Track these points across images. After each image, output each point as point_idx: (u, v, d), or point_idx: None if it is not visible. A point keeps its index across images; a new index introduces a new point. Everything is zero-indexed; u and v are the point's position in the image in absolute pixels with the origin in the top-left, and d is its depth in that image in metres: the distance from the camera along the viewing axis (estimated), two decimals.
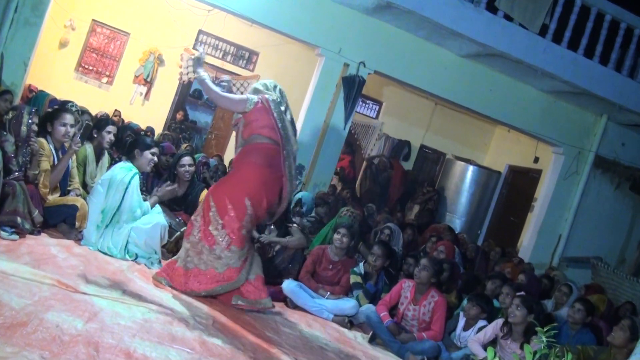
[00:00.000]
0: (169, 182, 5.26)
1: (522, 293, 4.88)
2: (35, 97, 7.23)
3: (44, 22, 7.10)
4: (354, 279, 5.36)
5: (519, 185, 11.01)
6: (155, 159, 5.11)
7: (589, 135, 9.36)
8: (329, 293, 5.21)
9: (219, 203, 4.23)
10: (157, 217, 4.81)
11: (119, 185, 4.67)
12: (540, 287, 6.45)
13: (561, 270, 8.53)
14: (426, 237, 7.66)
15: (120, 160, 5.47)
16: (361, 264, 5.50)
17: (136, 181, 4.76)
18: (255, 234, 5.43)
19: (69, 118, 4.74)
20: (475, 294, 5.22)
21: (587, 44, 8.41)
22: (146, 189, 5.15)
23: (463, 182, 11.04)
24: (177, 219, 5.22)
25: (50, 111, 5.07)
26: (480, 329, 4.87)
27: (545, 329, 2.61)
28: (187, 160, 5.50)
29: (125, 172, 4.75)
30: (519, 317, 4.46)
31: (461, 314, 5.17)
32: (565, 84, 8.37)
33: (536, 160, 10.50)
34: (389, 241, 6.35)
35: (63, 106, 5.53)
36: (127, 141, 5.82)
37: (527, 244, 9.41)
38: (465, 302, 5.41)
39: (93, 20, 10.20)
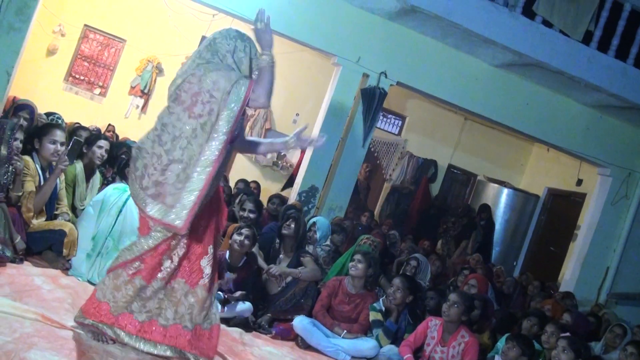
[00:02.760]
0: None
1: (568, 334, 4.80)
2: (15, 108, 7.17)
3: (30, 28, 7.16)
4: (373, 316, 5.30)
5: (559, 211, 10.89)
6: None
7: None
8: (345, 331, 5.15)
9: None
10: None
11: (112, 208, 4.68)
12: (588, 327, 6.35)
13: (610, 307, 8.41)
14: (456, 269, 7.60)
15: (113, 180, 5.47)
16: (381, 299, 5.44)
17: (133, 202, 4.74)
18: (264, 265, 5.42)
19: (59, 135, 4.76)
20: (516, 334, 5.14)
21: (638, 53, 8.35)
22: None
23: (497, 206, 10.95)
24: None
25: (38, 126, 5.09)
26: None
27: None
28: None
29: (119, 193, 4.75)
30: None
31: (496, 357, 5.08)
32: (612, 97, 8.31)
33: (579, 182, 10.40)
34: (416, 274, 6.29)
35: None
36: (122, 159, 5.84)
37: (569, 277, 9.28)
38: (500, 342, 5.33)
39: (85, 25, 10.31)
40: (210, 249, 3.46)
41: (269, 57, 3.36)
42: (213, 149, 3.20)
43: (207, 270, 3.44)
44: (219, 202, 3.58)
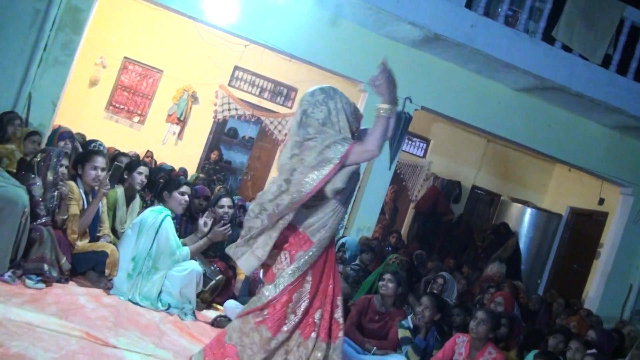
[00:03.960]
0: (222, 222, 5.18)
1: (594, 351, 4.70)
2: (52, 133, 7.27)
3: (74, 61, 7.29)
4: (402, 333, 5.25)
5: (582, 230, 10.74)
6: (187, 198, 5.12)
7: None
8: (375, 348, 5.11)
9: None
10: (191, 264, 4.82)
11: (149, 230, 4.70)
12: (613, 343, 6.21)
13: (634, 324, 8.22)
14: (482, 287, 7.50)
15: (152, 203, 5.52)
16: (409, 317, 5.40)
17: (168, 223, 4.77)
18: None
19: (100, 161, 4.83)
20: (544, 351, 5.05)
21: None
22: (179, 233, 5.15)
23: (520, 226, 10.83)
24: (213, 267, 5.21)
25: (81, 153, 5.17)
26: None
27: None
28: (226, 201, 5.54)
29: (155, 215, 4.77)
30: None
31: None
32: (632, 118, 8.20)
33: (601, 201, 10.25)
34: (442, 292, 6.23)
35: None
36: (160, 183, 5.89)
37: (593, 294, 9.13)
38: (528, 359, 5.25)
39: (125, 57, 10.48)
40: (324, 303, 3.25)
41: (385, 110, 3.23)
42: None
43: (319, 322, 3.20)
44: (331, 264, 3.33)
